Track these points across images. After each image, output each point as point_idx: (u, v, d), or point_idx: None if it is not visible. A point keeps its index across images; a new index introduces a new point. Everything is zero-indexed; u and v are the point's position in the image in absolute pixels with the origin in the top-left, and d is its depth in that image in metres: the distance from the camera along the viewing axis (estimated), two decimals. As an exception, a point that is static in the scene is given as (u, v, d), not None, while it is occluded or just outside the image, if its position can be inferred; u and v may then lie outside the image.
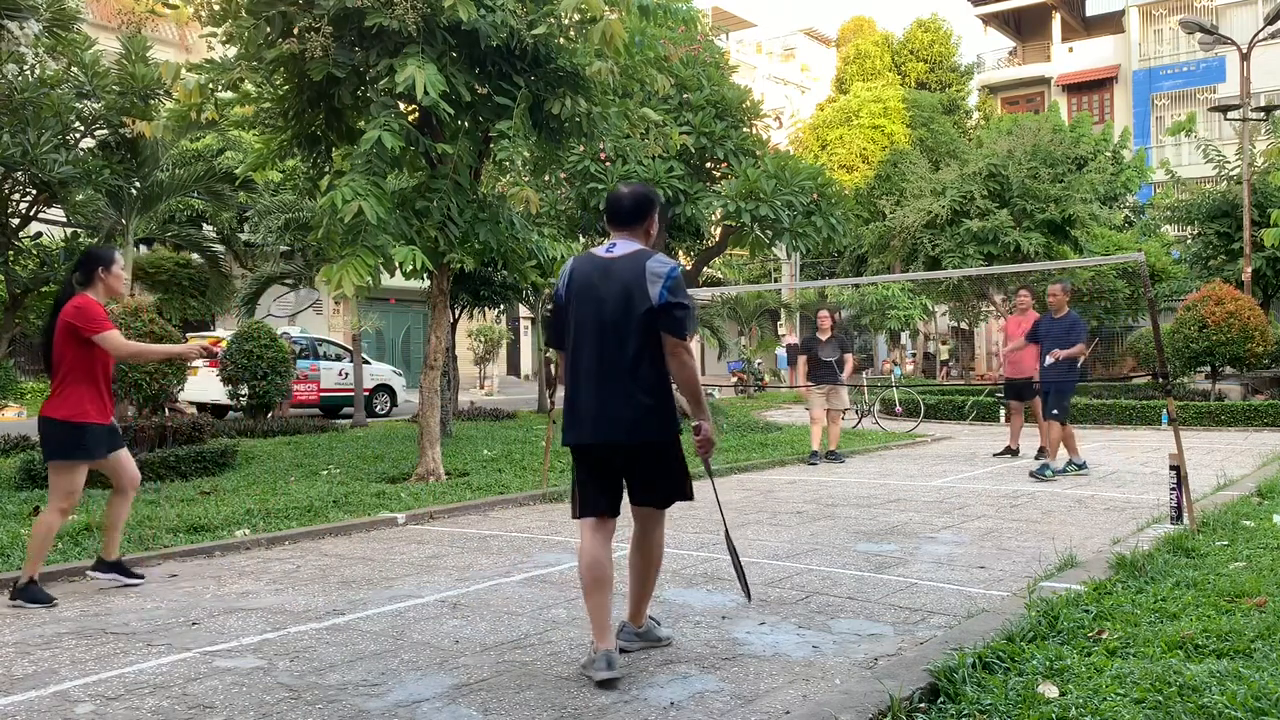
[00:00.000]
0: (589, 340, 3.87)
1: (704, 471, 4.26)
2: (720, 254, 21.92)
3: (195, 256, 20.45)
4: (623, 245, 3.97)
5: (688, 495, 4.04)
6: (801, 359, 11.63)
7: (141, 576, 5.72)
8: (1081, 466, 9.89)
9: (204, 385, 16.32)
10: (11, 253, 11.59)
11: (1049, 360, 9.61)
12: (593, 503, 3.94)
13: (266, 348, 14.73)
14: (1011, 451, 11.76)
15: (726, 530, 4.41)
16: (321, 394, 19.41)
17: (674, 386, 3.94)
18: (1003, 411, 16.69)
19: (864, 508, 7.97)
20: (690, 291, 3.97)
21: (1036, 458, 10.43)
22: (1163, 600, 4.37)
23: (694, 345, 4.06)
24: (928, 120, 36.71)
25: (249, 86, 8.87)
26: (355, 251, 7.98)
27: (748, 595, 4.52)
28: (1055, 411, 9.63)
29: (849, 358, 11.49)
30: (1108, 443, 13.33)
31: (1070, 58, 40.24)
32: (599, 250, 4.01)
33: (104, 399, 5.38)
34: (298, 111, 9.05)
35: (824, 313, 11.65)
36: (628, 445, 3.87)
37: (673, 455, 3.99)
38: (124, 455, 5.56)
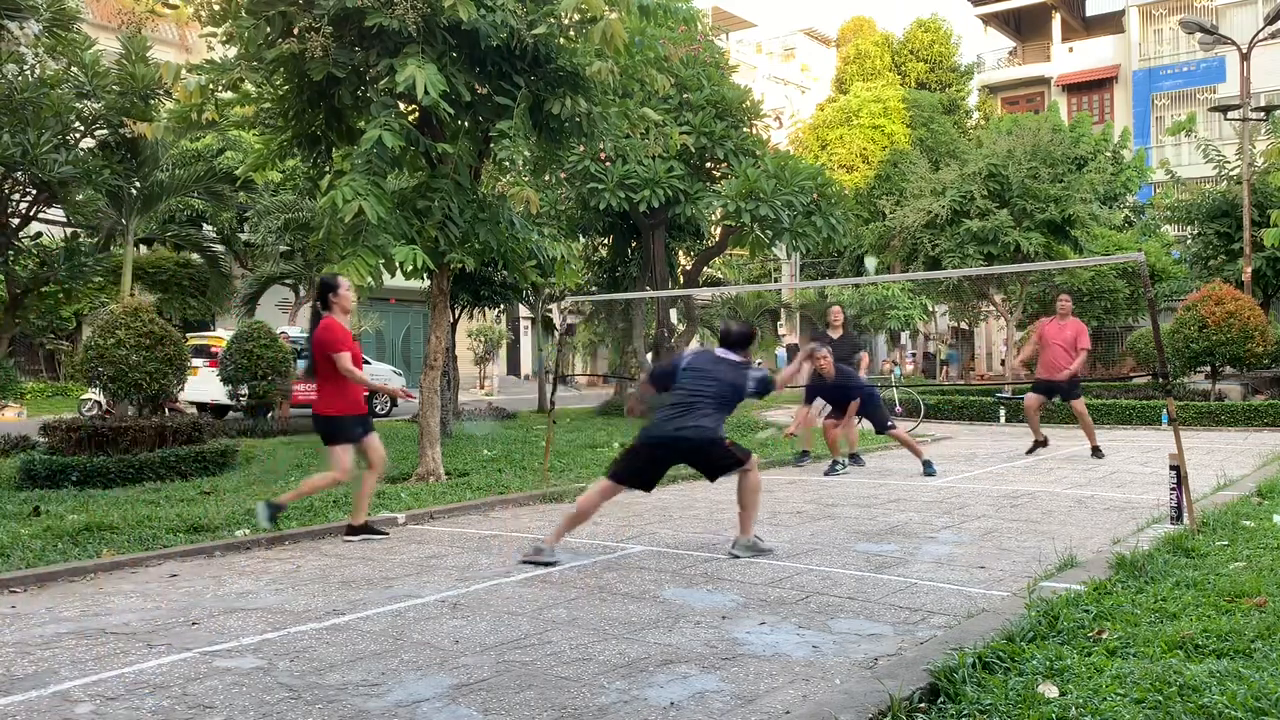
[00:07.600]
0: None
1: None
2: (720, 254, 21.94)
3: (195, 256, 20.44)
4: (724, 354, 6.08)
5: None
6: None
7: (385, 533, 6.86)
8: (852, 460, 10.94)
9: (204, 385, 16.30)
10: (11, 253, 11.58)
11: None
12: None
13: (266, 348, 14.73)
14: (1040, 444, 11.79)
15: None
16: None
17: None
18: (1002, 412, 16.78)
19: (864, 508, 7.97)
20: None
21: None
22: (1163, 600, 4.37)
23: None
24: (928, 120, 36.74)
25: (249, 86, 8.87)
26: (356, 251, 7.99)
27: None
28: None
29: (863, 356, 11.18)
30: (1108, 443, 13.29)
31: (1070, 58, 40.25)
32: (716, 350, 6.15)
33: (353, 396, 6.64)
34: (298, 111, 9.05)
35: (836, 308, 11.37)
36: None
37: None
38: (374, 438, 6.80)
